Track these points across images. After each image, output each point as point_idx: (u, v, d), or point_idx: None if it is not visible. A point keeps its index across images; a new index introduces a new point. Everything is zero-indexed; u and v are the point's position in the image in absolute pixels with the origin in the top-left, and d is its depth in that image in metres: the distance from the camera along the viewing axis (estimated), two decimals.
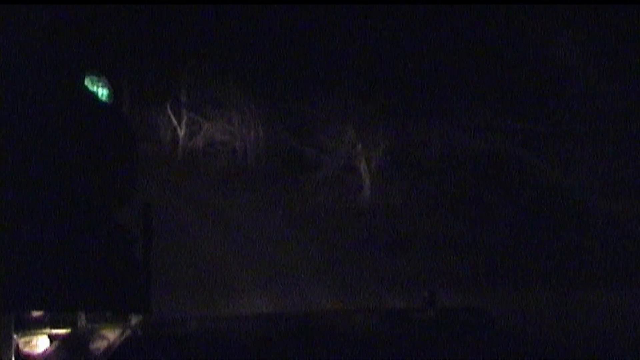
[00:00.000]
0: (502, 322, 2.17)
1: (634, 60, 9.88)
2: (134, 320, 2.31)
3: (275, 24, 18.37)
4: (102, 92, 2.21)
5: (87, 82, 2.12)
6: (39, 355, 2.37)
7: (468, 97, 12.59)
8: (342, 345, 2.06)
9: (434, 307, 2.29)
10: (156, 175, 16.86)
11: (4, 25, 1.83)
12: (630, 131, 10.00)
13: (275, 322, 2.43)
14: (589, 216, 10.52)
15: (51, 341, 2.43)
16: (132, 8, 18.15)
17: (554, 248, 10.14)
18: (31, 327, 2.39)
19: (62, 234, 2.00)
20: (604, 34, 10.04)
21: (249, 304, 7.64)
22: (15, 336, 2.23)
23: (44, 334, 2.42)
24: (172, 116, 22.38)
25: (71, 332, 2.39)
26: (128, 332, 2.23)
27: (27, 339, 2.39)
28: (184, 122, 22.44)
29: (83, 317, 2.39)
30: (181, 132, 22.46)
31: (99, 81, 2.17)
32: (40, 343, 2.42)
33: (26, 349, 2.39)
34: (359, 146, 16.21)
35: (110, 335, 2.23)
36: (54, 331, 2.42)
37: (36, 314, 2.41)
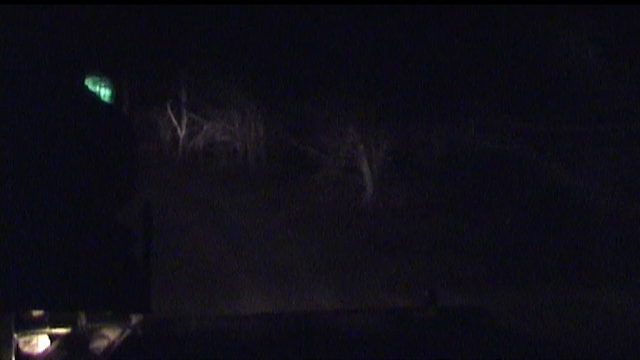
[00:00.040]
0: (502, 322, 2.18)
1: None
2: (134, 319, 2.33)
3: (276, 23, 18.40)
4: (104, 93, 2.23)
5: (89, 82, 2.14)
6: (39, 354, 2.38)
7: (472, 97, 12.60)
8: (342, 344, 2.08)
9: (434, 307, 2.31)
10: (156, 176, 16.89)
11: (4, 26, 1.85)
12: (637, 132, 9.98)
13: (276, 322, 2.45)
14: (593, 216, 10.52)
15: (51, 340, 2.44)
16: (132, 8, 18.16)
17: (556, 248, 10.15)
18: (31, 326, 2.41)
19: (62, 233, 2.02)
20: (611, 33, 10.01)
21: (249, 305, 7.66)
22: (15, 336, 2.24)
23: (44, 333, 2.44)
24: (172, 116, 22.42)
25: (71, 331, 2.41)
26: (128, 331, 2.25)
27: (27, 338, 2.41)
28: (184, 122, 22.49)
29: (83, 316, 2.41)
30: (181, 132, 22.50)
31: (101, 81, 2.20)
32: (41, 342, 2.43)
33: (26, 349, 2.41)
34: (361, 146, 16.22)
35: (111, 334, 2.25)
36: (54, 330, 2.43)
37: (36, 313, 2.42)
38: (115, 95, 2.22)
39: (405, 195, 14.82)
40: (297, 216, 13.62)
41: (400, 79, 15.12)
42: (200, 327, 2.40)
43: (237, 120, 21.57)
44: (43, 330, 2.41)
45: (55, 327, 2.42)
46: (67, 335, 2.38)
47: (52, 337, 2.43)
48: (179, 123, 22.57)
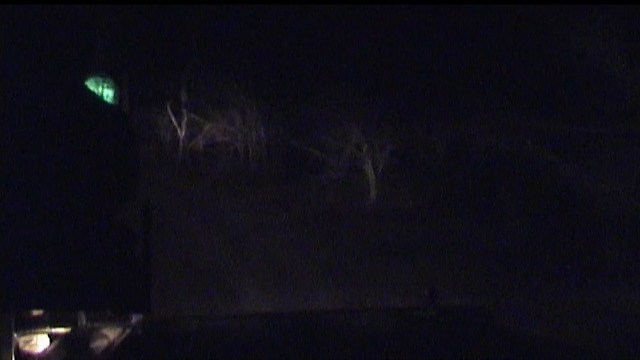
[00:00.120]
0: (502, 322, 2.22)
1: None
2: (134, 319, 2.37)
3: (278, 22, 18.43)
4: (107, 93, 2.27)
5: (92, 82, 2.18)
6: (39, 354, 2.42)
7: (479, 96, 12.59)
8: (342, 344, 2.11)
9: (435, 306, 2.34)
10: (156, 176, 16.94)
11: (5, 26, 1.89)
12: None
13: (276, 322, 2.48)
14: (605, 217, 10.51)
15: (51, 340, 2.48)
16: (132, 8, 18.23)
17: (564, 249, 10.17)
18: (31, 326, 2.45)
19: (62, 233, 2.03)
20: (631, 33, 9.94)
21: (250, 306, 7.69)
22: (15, 335, 2.27)
23: (44, 333, 2.47)
24: (172, 117, 22.47)
25: (71, 331, 2.45)
26: (128, 331, 2.28)
27: (27, 338, 2.45)
28: (184, 122, 22.54)
29: (83, 316, 2.45)
30: (181, 133, 22.55)
31: (103, 82, 2.24)
32: (41, 342, 2.47)
33: (26, 348, 2.45)
34: (365, 147, 16.23)
35: (111, 334, 2.29)
36: (54, 330, 2.47)
37: (36, 313, 2.46)
38: (117, 95, 2.26)
39: (410, 197, 14.84)
40: (300, 218, 13.64)
41: (405, 79, 15.13)
42: (201, 327, 2.44)
43: (237, 121, 21.60)
44: (43, 330, 2.45)
45: (55, 327, 2.46)
46: (67, 335, 2.42)
47: (52, 337, 2.47)
48: (179, 123, 22.62)
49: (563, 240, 10.60)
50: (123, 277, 2.22)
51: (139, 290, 2.27)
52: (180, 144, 22.50)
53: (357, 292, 8.54)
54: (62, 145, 2.00)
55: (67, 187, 2.04)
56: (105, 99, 2.28)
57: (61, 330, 2.45)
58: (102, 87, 2.28)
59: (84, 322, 2.45)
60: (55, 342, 2.41)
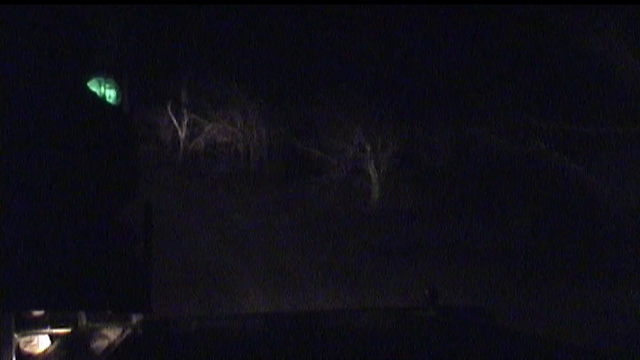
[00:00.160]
0: (502, 322, 2.24)
1: None
2: (135, 319, 2.39)
3: (280, 22, 18.46)
4: (109, 94, 2.30)
5: (94, 83, 2.20)
6: (39, 354, 2.44)
7: (480, 97, 12.58)
8: (342, 344, 2.13)
9: (435, 306, 2.37)
10: (157, 177, 16.98)
11: (7, 27, 1.92)
12: None
13: (276, 321, 2.51)
14: (608, 215, 10.51)
15: (52, 340, 2.51)
16: (132, 7, 18.27)
17: (565, 249, 10.20)
18: (32, 326, 2.47)
19: (63, 233, 2.06)
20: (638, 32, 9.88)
21: (251, 307, 7.71)
22: (15, 335, 2.29)
23: (45, 333, 2.50)
24: (172, 117, 22.52)
25: (72, 331, 2.47)
26: (129, 331, 2.31)
27: (27, 338, 2.48)
28: (184, 123, 22.59)
29: (84, 316, 2.48)
30: (182, 134, 22.60)
31: (106, 82, 2.26)
32: (41, 342, 2.50)
33: (27, 349, 2.48)
34: (368, 148, 16.24)
35: (111, 334, 2.32)
36: (55, 330, 2.50)
37: (36, 313, 2.49)
38: (119, 95, 2.28)
39: (412, 198, 14.85)
40: (301, 219, 13.65)
41: (407, 79, 15.14)
42: (201, 327, 2.46)
43: (238, 121, 21.65)
44: (43, 330, 2.48)
45: (55, 326, 2.48)
46: (67, 335, 2.45)
47: (52, 337, 2.50)
48: (180, 124, 22.67)
49: (565, 241, 10.62)
50: (123, 277, 2.24)
51: (139, 290, 2.29)
52: (181, 144, 22.56)
53: (358, 293, 8.55)
54: (62, 145, 2.02)
55: (67, 187, 2.06)
56: (107, 99, 2.31)
57: (61, 330, 2.48)
58: (104, 87, 2.30)
59: (84, 322, 2.47)
60: (56, 343, 2.43)
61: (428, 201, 14.54)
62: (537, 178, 12.23)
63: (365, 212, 14.82)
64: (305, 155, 17.48)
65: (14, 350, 2.23)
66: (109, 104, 2.32)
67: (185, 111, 22.60)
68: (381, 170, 16.05)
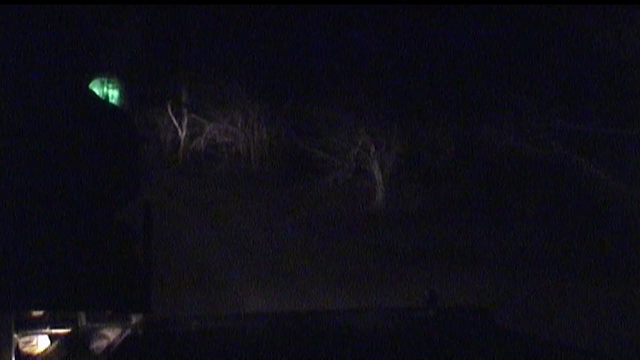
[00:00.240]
0: (502, 322, 2.29)
1: None
2: (135, 319, 2.44)
3: (282, 20, 18.50)
4: (112, 93, 2.35)
5: (97, 83, 2.26)
6: (39, 354, 2.49)
7: (486, 96, 12.60)
8: (342, 344, 2.18)
9: (435, 307, 2.42)
10: (157, 178, 17.03)
11: (8, 28, 1.98)
12: None
13: (277, 321, 2.55)
14: (616, 215, 10.52)
15: (51, 340, 2.56)
16: (131, 8, 18.35)
17: (570, 248, 10.22)
18: (31, 326, 2.52)
19: (63, 233, 2.10)
20: None
21: (252, 310, 7.74)
22: (15, 336, 2.33)
23: (44, 333, 2.55)
24: (172, 117, 22.58)
25: (71, 331, 2.52)
26: (128, 331, 2.36)
27: (27, 338, 2.53)
28: (185, 123, 22.64)
29: (83, 316, 2.53)
30: (182, 134, 22.65)
31: (109, 82, 2.32)
32: (41, 342, 2.55)
33: (26, 349, 2.52)
34: (372, 148, 16.25)
35: (111, 334, 2.37)
36: (54, 330, 2.54)
37: (36, 313, 2.54)
38: (122, 95, 2.33)
39: (417, 199, 14.87)
40: (304, 220, 13.67)
41: (413, 78, 15.17)
42: (201, 326, 2.51)
43: (239, 121, 21.70)
44: (43, 330, 2.53)
45: (55, 327, 2.53)
46: (67, 335, 2.50)
47: (52, 337, 2.55)
48: (180, 124, 22.73)
49: (571, 240, 10.65)
50: (123, 277, 2.28)
51: (139, 290, 2.34)
52: (181, 144, 22.61)
53: (363, 296, 8.58)
54: (63, 145, 2.07)
55: (67, 187, 2.10)
56: (110, 99, 2.36)
57: (61, 330, 2.53)
58: (107, 87, 2.35)
59: (84, 322, 2.52)
60: (56, 343, 2.48)
61: (434, 203, 14.55)
62: (547, 179, 12.25)
63: (369, 213, 14.84)
64: (308, 156, 17.49)
65: (13, 351, 2.27)
66: (111, 104, 2.36)
67: (185, 111, 22.66)
68: (386, 171, 16.06)
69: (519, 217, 12.02)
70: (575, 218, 11.48)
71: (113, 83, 2.36)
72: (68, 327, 2.52)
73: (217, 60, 20.88)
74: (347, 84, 16.16)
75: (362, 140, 16.50)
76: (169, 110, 22.53)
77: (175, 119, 22.64)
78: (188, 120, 22.60)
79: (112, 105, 2.36)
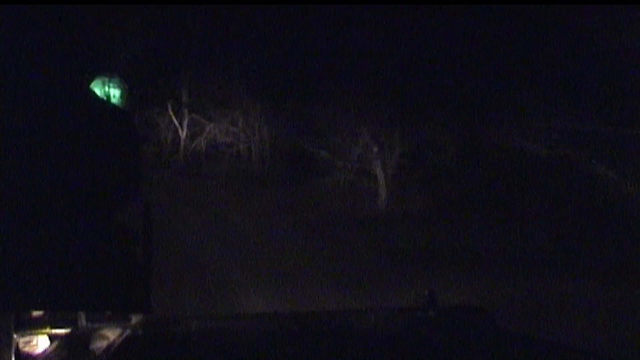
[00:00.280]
0: (502, 322, 2.31)
1: None
2: (135, 319, 2.47)
3: (283, 20, 18.51)
4: (114, 93, 2.38)
5: (99, 82, 2.28)
6: (39, 354, 2.51)
7: (489, 97, 12.61)
8: (342, 344, 2.20)
9: (435, 307, 2.44)
10: (157, 178, 17.06)
11: (8, 27, 2.00)
12: None
13: (277, 321, 2.57)
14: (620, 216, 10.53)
15: (51, 341, 2.58)
16: (131, 7, 18.39)
17: (572, 250, 10.23)
18: (31, 326, 2.54)
19: (63, 233, 2.11)
20: None
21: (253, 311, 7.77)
22: (15, 336, 2.35)
23: (44, 333, 2.58)
24: (173, 117, 22.62)
25: (71, 331, 2.54)
26: (128, 331, 2.38)
27: (27, 338, 2.55)
28: (185, 122, 22.68)
29: (83, 316, 2.55)
30: (183, 134, 22.69)
31: (110, 82, 2.34)
32: (40, 343, 2.58)
33: (26, 349, 2.55)
34: (375, 149, 16.27)
35: (111, 334, 2.38)
36: (54, 331, 2.57)
37: (36, 313, 2.56)
38: (124, 95, 2.36)
39: (421, 200, 14.88)
40: (306, 222, 13.69)
41: (416, 78, 15.16)
42: (201, 327, 2.53)
43: (240, 121, 21.74)
44: (43, 330, 2.56)
45: (55, 327, 2.56)
46: (67, 335, 2.52)
47: (52, 337, 2.57)
48: (180, 124, 22.77)
49: (571, 240, 10.66)
50: (123, 278, 2.30)
51: (139, 290, 2.36)
52: (182, 144, 22.64)
53: (366, 298, 8.59)
54: (63, 145, 2.09)
55: (67, 187, 2.12)
56: (111, 99, 2.38)
57: (61, 330, 2.55)
58: (108, 87, 2.37)
59: (84, 323, 2.55)
60: (56, 343, 2.50)
61: (437, 204, 14.56)
62: (549, 179, 12.26)
63: (372, 214, 14.85)
64: (309, 156, 17.51)
65: (13, 351, 2.29)
66: (111, 104, 2.38)
67: (186, 111, 22.70)
68: (388, 172, 16.07)
69: (520, 218, 12.03)
70: (576, 218, 11.51)
71: (114, 83, 2.38)
72: (68, 327, 2.55)
73: (218, 60, 20.92)
74: (349, 84, 16.15)
75: (364, 140, 16.51)
76: (170, 110, 22.58)
77: (176, 118, 22.68)
78: (188, 120, 22.64)
79: (113, 105, 2.38)
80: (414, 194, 15.14)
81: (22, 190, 2.06)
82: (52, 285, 2.10)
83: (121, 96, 2.40)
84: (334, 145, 16.92)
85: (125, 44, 18.86)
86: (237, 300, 8.39)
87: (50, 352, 2.42)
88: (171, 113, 22.55)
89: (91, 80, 2.24)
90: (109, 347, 2.30)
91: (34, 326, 2.54)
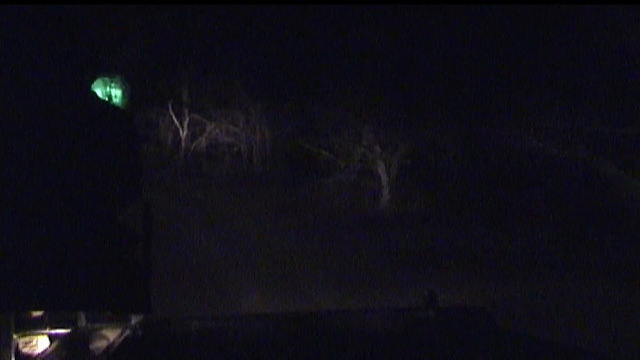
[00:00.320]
0: (502, 322, 2.31)
1: None
2: (134, 319, 2.48)
3: (284, 19, 18.49)
4: (115, 93, 2.39)
5: (100, 82, 2.29)
6: (38, 355, 2.52)
7: (492, 96, 12.60)
8: (342, 344, 2.21)
9: (435, 307, 2.45)
10: (158, 178, 17.05)
11: (9, 27, 2.01)
12: None
13: (277, 322, 2.59)
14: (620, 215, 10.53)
15: (51, 341, 2.60)
16: (131, 7, 18.40)
17: (572, 250, 10.24)
18: (31, 327, 2.56)
19: (63, 234, 2.12)
20: None
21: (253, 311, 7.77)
22: (15, 336, 2.36)
23: (44, 333, 2.59)
24: (173, 116, 22.62)
25: (71, 331, 2.55)
26: (128, 331, 2.39)
27: (27, 338, 2.57)
28: (186, 122, 22.67)
29: (83, 316, 2.57)
30: (183, 134, 22.69)
31: (112, 82, 2.35)
32: (40, 343, 2.59)
33: (26, 349, 2.56)
34: (377, 149, 16.25)
35: (111, 334, 2.40)
36: (54, 331, 2.58)
37: (36, 313, 2.58)
38: (125, 94, 2.37)
39: (424, 201, 14.85)
40: (307, 222, 13.67)
41: (419, 77, 15.13)
42: (201, 327, 2.54)
43: (241, 121, 21.73)
44: (43, 330, 2.57)
45: (55, 327, 2.57)
46: (67, 335, 2.54)
47: (52, 338, 2.59)
48: (181, 124, 22.77)
49: (571, 241, 10.66)
50: (123, 278, 2.31)
51: (138, 290, 2.37)
52: (182, 144, 22.64)
53: (365, 296, 8.59)
54: (63, 145, 2.10)
55: (68, 187, 2.13)
56: (113, 99, 2.39)
57: (61, 331, 2.57)
58: (110, 87, 2.38)
59: (84, 323, 2.56)
60: (55, 343, 2.52)
61: (440, 204, 14.54)
62: (550, 180, 12.26)
63: (374, 215, 14.83)
64: (311, 156, 17.46)
65: (13, 351, 2.30)
66: (111, 104, 2.40)
67: (186, 111, 22.69)
68: (391, 172, 16.05)
69: (520, 218, 12.03)
70: (576, 218, 11.51)
71: (116, 83, 2.40)
72: (68, 327, 2.56)
73: (218, 60, 20.91)
74: (351, 84, 16.13)
75: (367, 141, 16.48)
76: (170, 110, 22.56)
77: (176, 118, 22.68)
78: (189, 120, 22.63)
79: (113, 105, 2.39)
80: (416, 194, 15.12)
81: (23, 191, 2.07)
82: (52, 285, 2.11)
83: (122, 96, 2.41)
84: (336, 145, 16.89)
85: (126, 44, 18.90)
86: (237, 300, 8.40)
87: (50, 353, 2.44)
88: (171, 113, 22.54)
89: (92, 81, 2.25)
90: (108, 347, 2.32)
91: (34, 326, 2.56)
